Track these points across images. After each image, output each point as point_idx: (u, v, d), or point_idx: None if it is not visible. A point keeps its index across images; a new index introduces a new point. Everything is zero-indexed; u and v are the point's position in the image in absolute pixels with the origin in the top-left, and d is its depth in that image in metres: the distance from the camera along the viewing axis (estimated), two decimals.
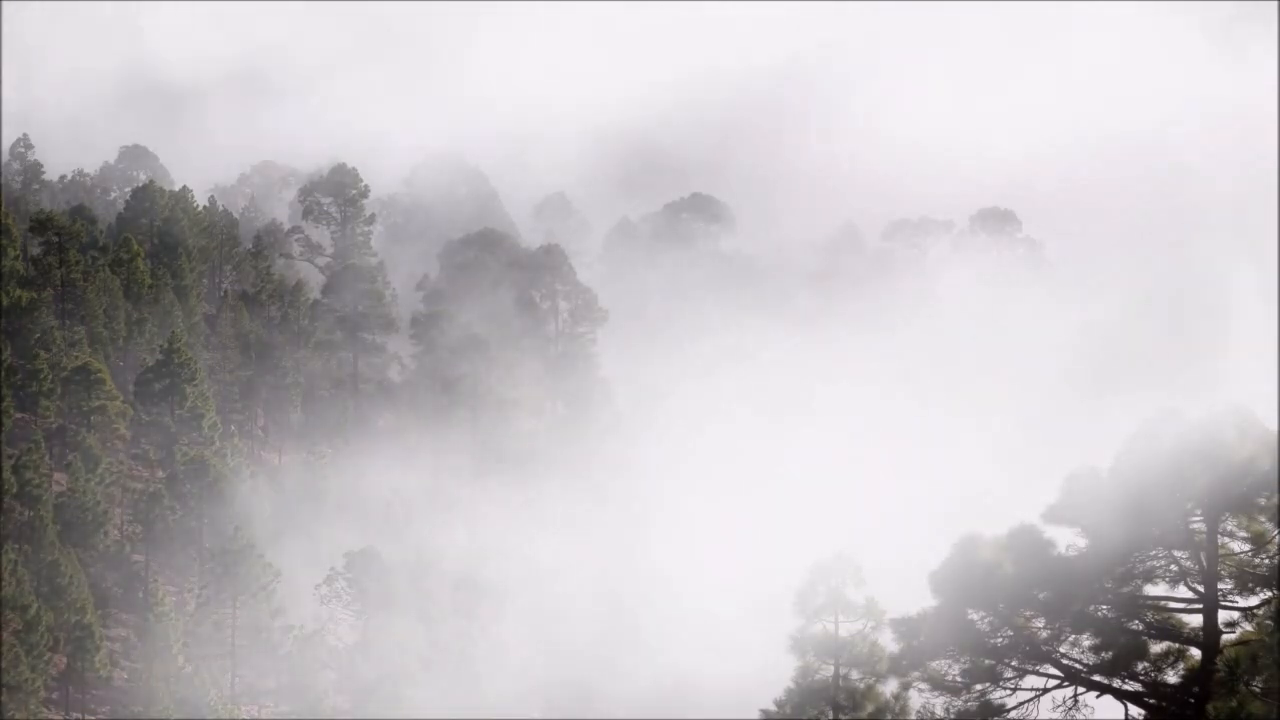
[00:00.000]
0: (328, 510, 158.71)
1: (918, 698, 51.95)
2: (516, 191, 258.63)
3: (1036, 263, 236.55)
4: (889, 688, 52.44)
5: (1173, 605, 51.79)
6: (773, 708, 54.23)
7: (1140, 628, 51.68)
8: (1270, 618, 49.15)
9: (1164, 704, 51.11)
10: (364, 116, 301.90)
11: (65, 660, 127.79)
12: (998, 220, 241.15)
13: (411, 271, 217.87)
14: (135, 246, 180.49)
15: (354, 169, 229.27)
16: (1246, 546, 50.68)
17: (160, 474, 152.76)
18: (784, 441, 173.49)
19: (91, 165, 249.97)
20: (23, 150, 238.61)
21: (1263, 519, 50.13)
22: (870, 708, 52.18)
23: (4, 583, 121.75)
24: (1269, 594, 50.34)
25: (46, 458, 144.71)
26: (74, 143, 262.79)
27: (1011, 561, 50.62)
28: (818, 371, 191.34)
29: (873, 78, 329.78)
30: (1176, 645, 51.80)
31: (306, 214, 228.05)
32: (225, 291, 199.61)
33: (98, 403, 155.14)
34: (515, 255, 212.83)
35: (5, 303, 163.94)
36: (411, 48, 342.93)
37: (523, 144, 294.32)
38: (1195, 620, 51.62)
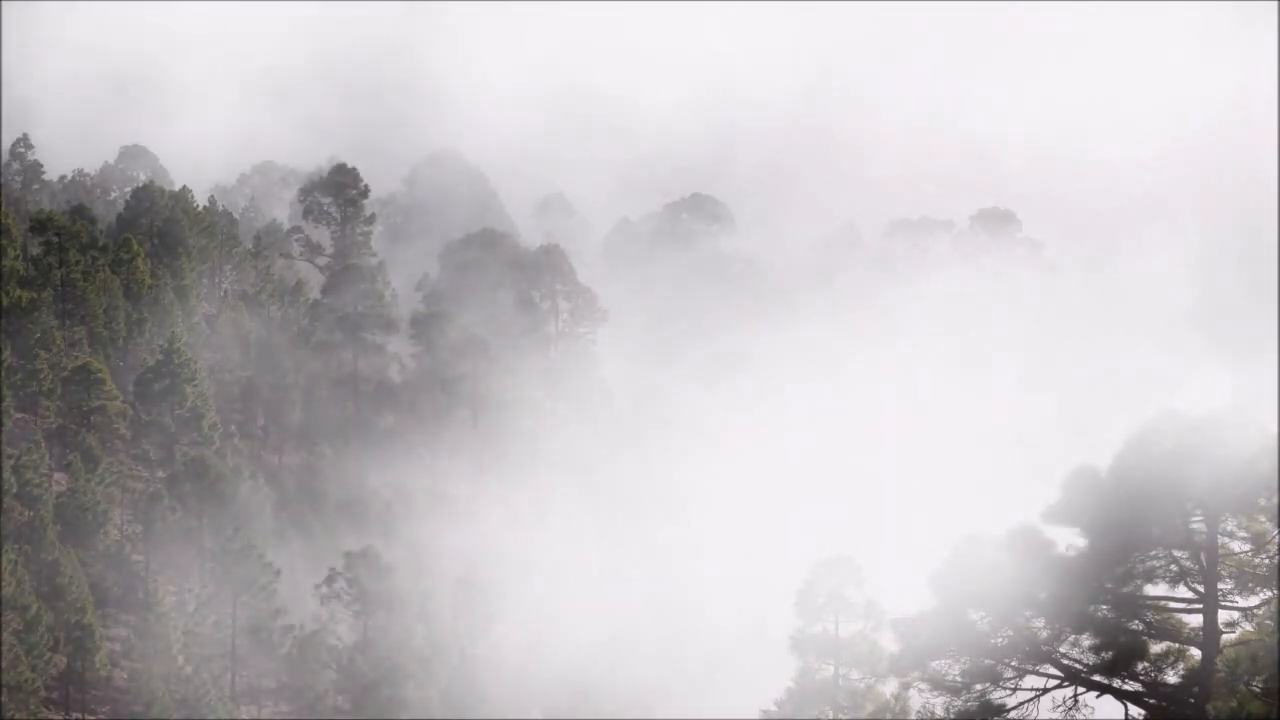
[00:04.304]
0: (328, 510, 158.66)
1: (918, 698, 51.96)
2: (516, 191, 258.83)
3: (1037, 263, 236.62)
4: (889, 688, 52.50)
5: (1173, 605, 51.80)
6: (773, 708, 54.29)
7: (1140, 628, 51.69)
8: (1270, 618, 49.16)
9: (1164, 704, 51.12)
10: (364, 116, 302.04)
11: (65, 660, 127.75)
12: (998, 220, 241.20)
13: (411, 271, 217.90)
14: (135, 246, 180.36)
15: (354, 169, 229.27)
16: (1246, 546, 50.70)
17: (160, 474, 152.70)
18: (784, 441, 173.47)
19: (91, 165, 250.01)
20: (23, 150, 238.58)
21: (1263, 519, 50.15)
22: (870, 708, 52.24)
23: (4, 583, 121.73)
24: (1269, 594, 50.36)
25: (46, 458, 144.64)
26: (74, 143, 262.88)
27: (1011, 561, 50.63)
28: (817, 371, 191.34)
29: (873, 78, 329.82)
30: (1176, 645, 51.81)
31: (306, 214, 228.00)
32: (225, 291, 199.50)
33: (98, 403, 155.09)
34: (515, 255, 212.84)
35: (5, 303, 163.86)
36: (412, 47, 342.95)
37: (523, 144, 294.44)
38: (1195, 620, 51.63)
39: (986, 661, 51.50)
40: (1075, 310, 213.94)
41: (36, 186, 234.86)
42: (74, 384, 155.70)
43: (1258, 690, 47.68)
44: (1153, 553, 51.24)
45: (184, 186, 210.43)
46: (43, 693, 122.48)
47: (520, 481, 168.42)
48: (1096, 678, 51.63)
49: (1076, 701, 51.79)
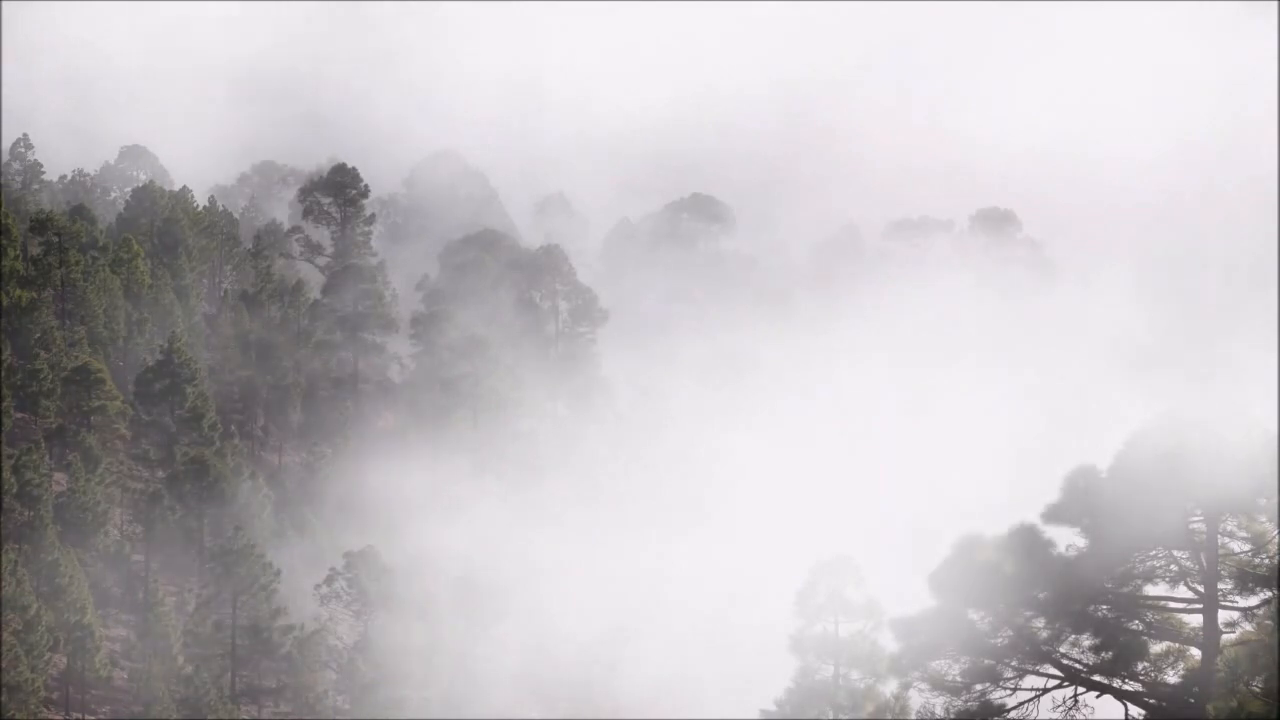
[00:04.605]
0: (328, 510, 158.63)
1: (918, 698, 51.94)
2: (516, 191, 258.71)
3: (1037, 263, 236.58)
4: (889, 688, 52.46)
5: (1173, 605, 51.80)
6: (772, 708, 54.23)
7: (1140, 628, 51.68)
8: (1270, 618, 49.15)
9: (1164, 704, 51.11)
10: (364, 116, 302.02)
11: (65, 660, 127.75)
12: (998, 220, 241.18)
13: (411, 271, 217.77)
14: (135, 246, 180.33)
15: (354, 169, 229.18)
16: (1246, 546, 50.69)
17: (160, 474, 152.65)
18: (783, 441, 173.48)
19: (91, 165, 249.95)
20: (23, 150, 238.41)
21: (1263, 519, 50.15)
22: (870, 708, 52.19)
23: (4, 583, 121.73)
24: (1269, 594, 50.35)
25: (46, 458, 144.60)
26: (74, 143, 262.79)
27: (1011, 561, 50.62)
28: (817, 371, 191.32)
29: (873, 78, 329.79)
30: (1176, 645, 51.82)
31: (306, 214, 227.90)
32: (225, 291, 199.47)
33: (98, 403, 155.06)
34: (515, 255, 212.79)
35: (5, 303, 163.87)
36: (412, 48, 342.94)
37: (523, 144, 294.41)
38: (1195, 620, 51.62)
39: (986, 661, 51.49)
40: (1074, 311, 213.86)
41: (36, 186, 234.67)
42: (74, 384, 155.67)
43: (1258, 690, 47.65)
44: (1153, 553, 51.25)
45: (184, 186, 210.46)
46: (43, 693, 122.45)
47: (520, 481, 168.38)
48: (1096, 678, 51.63)
49: (1076, 701, 51.79)
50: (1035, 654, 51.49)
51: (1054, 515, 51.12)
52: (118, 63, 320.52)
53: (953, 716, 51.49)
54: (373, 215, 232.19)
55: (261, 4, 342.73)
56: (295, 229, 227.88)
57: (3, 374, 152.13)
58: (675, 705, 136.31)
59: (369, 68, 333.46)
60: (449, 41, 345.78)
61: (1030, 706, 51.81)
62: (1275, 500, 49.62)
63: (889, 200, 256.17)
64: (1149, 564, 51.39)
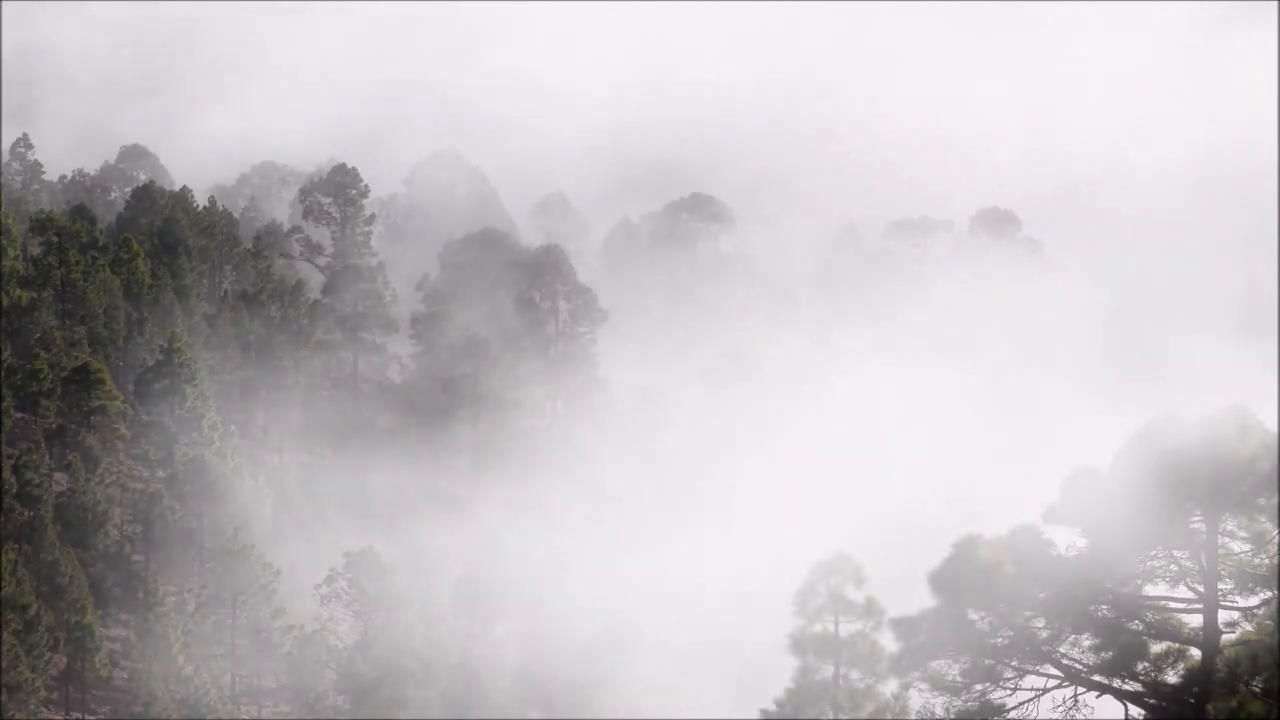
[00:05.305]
0: (328, 510, 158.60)
1: (918, 698, 51.91)
2: (516, 191, 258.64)
3: (1036, 263, 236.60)
4: (889, 688, 52.39)
5: (1173, 605, 51.81)
6: (773, 708, 54.13)
7: (1140, 628, 51.67)
8: (1270, 618, 49.14)
9: (1164, 704, 51.10)
10: (364, 117, 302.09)
11: (65, 660, 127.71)
12: (998, 220, 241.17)
13: (411, 271, 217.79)
14: (135, 246, 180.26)
15: (354, 169, 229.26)
16: (1246, 546, 50.69)
17: (160, 474, 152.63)
18: (784, 441, 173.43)
19: (91, 165, 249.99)
20: (23, 150, 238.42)
21: (1263, 519, 50.12)
22: (870, 708, 52.11)
23: (4, 583, 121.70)
24: (1269, 594, 50.34)
25: (46, 458, 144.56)
26: (74, 143, 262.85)
27: (1011, 561, 50.61)
28: (817, 371, 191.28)
29: (873, 78, 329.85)
30: (1176, 645, 51.81)
31: (306, 214, 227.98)
32: (225, 291, 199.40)
33: (98, 403, 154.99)
34: (515, 255, 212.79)
35: (5, 303, 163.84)
36: (413, 47, 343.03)
37: (523, 144, 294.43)
38: (1195, 620, 51.62)
39: (986, 661, 51.49)
40: (1075, 311, 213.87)
41: (36, 186, 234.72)
42: (74, 384, 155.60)
43: (1258, 690, 47.64)
44: (1153, 553, 51.24)
45: (184, 186, 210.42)
46: (43, 693, 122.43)
47: (520, 481, 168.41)
48: (1096, 678, 51.62)
49: (1076, 701, 51.78)
50: (1035, 654, 51.49)
51: (1054, 515, 51.13)
52: (118, 62, 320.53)
53: (953, 716, 51.49)
54: (373, 215, 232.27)
55: (261, 4, 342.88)
56: (295, 229, 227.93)
57: (3, 374, 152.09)
58: (675, 705, 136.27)
59: (370, 67, 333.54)
60: (449, 41, 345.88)
61: (1030, 706, 51.81)
62: (1275, 500, 49.60)
63: (889, 200, 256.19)
64: (1149, 564, 51.39)
